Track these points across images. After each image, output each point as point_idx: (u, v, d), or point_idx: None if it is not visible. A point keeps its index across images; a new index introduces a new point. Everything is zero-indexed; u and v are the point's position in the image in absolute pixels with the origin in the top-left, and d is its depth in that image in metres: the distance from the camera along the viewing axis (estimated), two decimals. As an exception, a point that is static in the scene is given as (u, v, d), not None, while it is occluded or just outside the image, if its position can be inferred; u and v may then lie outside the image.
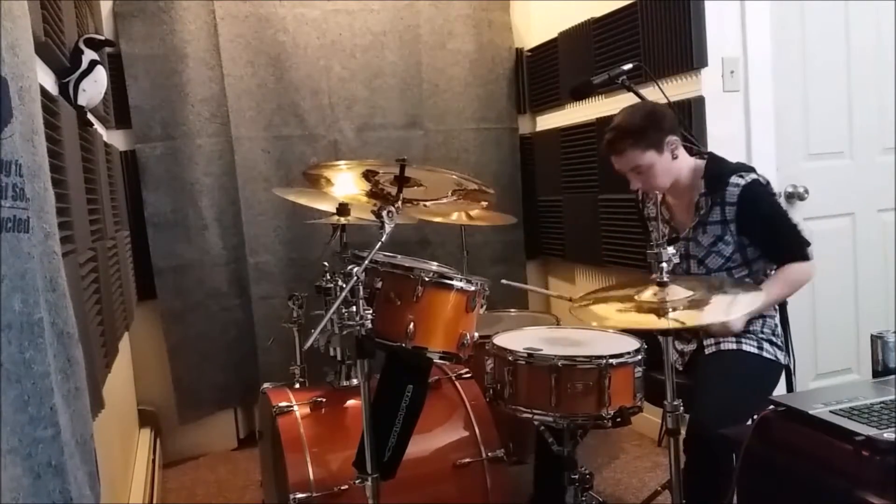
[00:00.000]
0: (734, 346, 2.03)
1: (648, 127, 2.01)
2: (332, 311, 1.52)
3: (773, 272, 2.09)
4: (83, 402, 1.10)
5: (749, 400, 1.84)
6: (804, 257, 2.04)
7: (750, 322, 2.05)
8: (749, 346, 2.04)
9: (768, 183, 2.10)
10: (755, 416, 1.51)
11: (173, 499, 2.87)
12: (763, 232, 2.04)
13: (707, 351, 2.06)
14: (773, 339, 2.07)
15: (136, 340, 3.12)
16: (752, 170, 2.07)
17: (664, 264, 1.64)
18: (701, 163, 2.11)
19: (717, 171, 2.07)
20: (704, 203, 2.07)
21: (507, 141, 3.71)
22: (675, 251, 1.66)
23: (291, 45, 3.25)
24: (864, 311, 2.94)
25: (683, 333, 2.12)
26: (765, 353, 2.04)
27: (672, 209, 2.17)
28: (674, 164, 2.05)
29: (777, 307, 2.15)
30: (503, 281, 2.66)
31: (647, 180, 2.05)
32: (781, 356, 2.08)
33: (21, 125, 0.96)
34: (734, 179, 2.01)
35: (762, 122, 2.70)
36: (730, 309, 1.71)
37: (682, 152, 2.07)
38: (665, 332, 1.60)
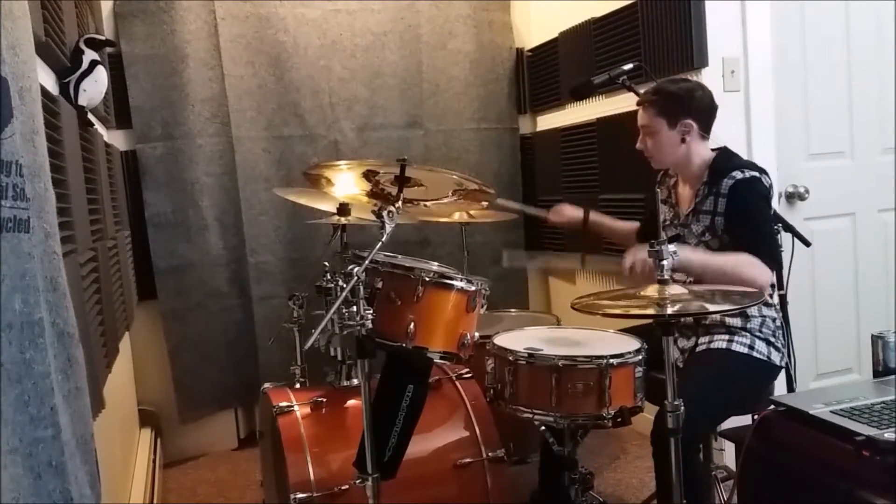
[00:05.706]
0: (724, 346, 2.00)
1: (675, 99, 2.07)
2: (332, 311, 1.52)
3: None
4: (83, 402, 1.10)
5: (724, 400, 1.88)
6: (766, 263, 1.95)
7: (748, 319, 2.03)
8: (739, 346, 1.99)
9: (770, 187, 2.06)
10: (750, 416, 1.51)
11: (173, 499, 2.87)
12: (741, 229, 2.00)
13: (699, 349, 2.04)
14: (772, 339, 2.03)
15: (136, 340, 3.12)
16: (761, 170, 2.05)
17: (664, 263, 1.64)
18: (713, 155, 2.12)
19: (723, 164, 2.07)
20: (702, 192, 2.08)
21: (508, 141, 3.71)
22: (675, 249, 1.66)
23: (292, 46, 3.25)
24: (864, 311, 2.94)
25: (685, 330, 2.11)
26: (755, 354, 1.99)
27: (679, 196, 2.20)
28: (679, 147, 2.08)
29: (777, 307, 2.15)
30: (499, 201, 2.49)
31: (649, 146, 2.12)
32: (776, 357, 2.02)
33: (21, 125, 0.96)
34: (734, 173, 2.02)
35: (762, 122, 2.70)
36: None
37: (696, 140, 2.09)
38: (667, 330, 1.59)
